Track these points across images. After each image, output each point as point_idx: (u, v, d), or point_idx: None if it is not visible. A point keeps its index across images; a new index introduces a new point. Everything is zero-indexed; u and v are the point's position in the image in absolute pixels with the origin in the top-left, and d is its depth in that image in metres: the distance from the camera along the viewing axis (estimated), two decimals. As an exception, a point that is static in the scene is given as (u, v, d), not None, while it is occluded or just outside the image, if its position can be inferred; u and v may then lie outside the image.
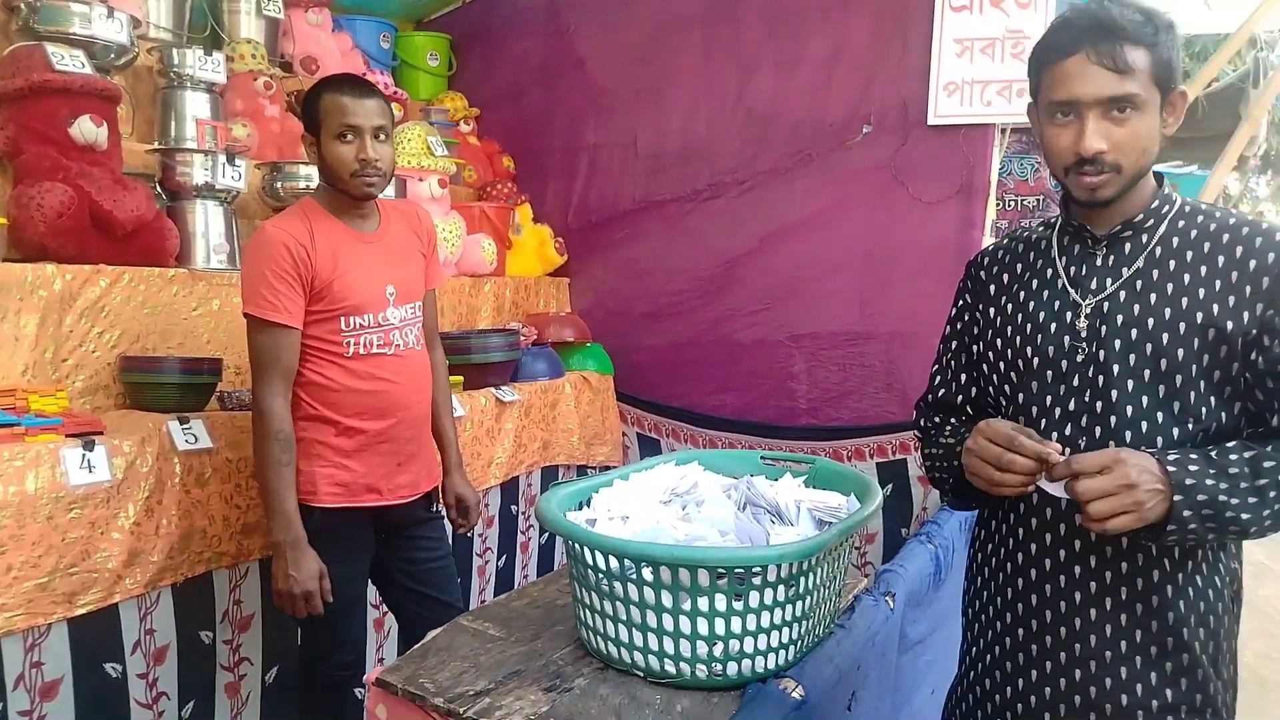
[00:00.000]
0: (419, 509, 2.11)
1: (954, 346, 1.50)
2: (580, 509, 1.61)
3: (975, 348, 1.45)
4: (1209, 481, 1.14)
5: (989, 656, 1.41)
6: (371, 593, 2.14)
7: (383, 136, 1.93)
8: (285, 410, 1.87)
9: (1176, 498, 1.13)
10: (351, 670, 2.01)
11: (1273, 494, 1.16)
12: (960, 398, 1.50)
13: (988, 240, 2.94)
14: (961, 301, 1.50)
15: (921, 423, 1.57)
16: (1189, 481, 1.13)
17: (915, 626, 2.08)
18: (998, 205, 4.51)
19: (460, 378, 2.68)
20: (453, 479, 2.20)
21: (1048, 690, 1.32)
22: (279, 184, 2.68)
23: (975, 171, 2.82)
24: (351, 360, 1.94)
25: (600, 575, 1.38)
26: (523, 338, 3.08)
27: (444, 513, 2.20)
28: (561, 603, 1.66)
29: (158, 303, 2.26)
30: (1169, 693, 1.25)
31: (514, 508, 2.92)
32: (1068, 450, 1.25)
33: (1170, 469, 1.13)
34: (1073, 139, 1.22)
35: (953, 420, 1.51)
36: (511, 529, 2.95)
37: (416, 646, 1.50)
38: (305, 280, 1.87)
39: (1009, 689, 1.37)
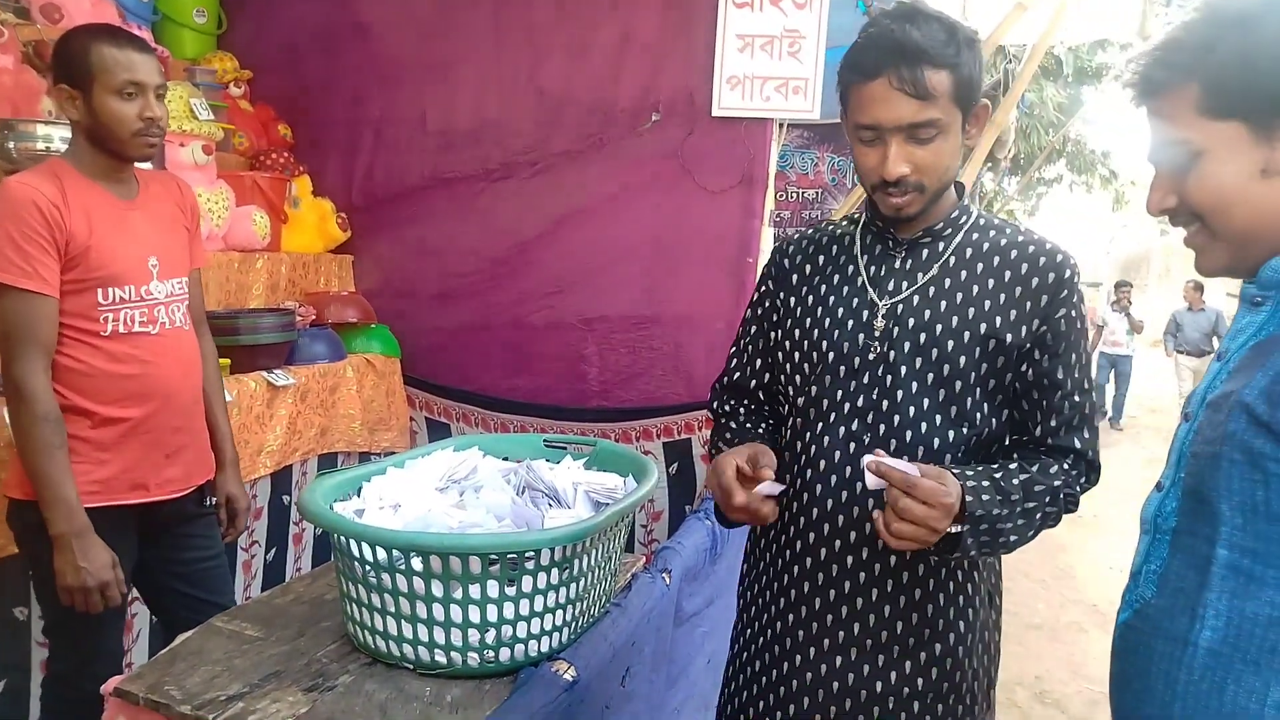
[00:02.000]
0: (189, 504, 1.97)
1: (752, 331, 1.51)
2: (350, 499, 1.55)
3: (773, 334, 1.47)
4: (995, 511, 1.19)
5: (761, 639, 1.44)
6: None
7: (162, 95, 1.82)
8: (49, 389, 1.69)
9: (965, 526, 1.17)
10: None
11: (1038, 516, 1.24)
12: (754, 382, 1.51)
13: (767, 230, 3.08)
14: (764, 287, 1.50)
15: (714, 405, 1.57)
16: (979, 512, 1.18)
17: (692, 600, 2.16)
18: (779, 197, 4.75)
19: (227, 360, 2.49)
20: (224, 476, 2.06)
21: (809, 675, 1.36)
22: (12, 144, 2.37)
23: (755, 163, 2.93)
24: (109, 340, 1.77)
25: (367, 567, 1.33)
26: (299, 318, 2.91)
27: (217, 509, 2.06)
28: (330, 597, 1.60)
29: None
30: (920, 681, 1.32)
31: (285, 498, 2.77)
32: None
33: (968, 498, 1.17)
34: (877, 161, 1.25)
35: (744, 406, 1.53)
36: (283, 520, 2.79)
37: (163, 651, 1.40)
38: (59, 245, 1.69)
39: (775, 671, 1.40)
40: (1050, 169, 15.24)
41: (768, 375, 1.50)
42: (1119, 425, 9.84)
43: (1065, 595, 4.76)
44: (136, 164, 1.89)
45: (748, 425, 1.49)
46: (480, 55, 3.22)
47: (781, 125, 3.05)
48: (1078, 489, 1.31)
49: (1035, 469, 1.27)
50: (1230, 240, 0.95)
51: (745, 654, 1.48)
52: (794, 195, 5.07)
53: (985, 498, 1.19)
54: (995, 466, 1.26)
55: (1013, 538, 1.23)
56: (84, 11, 2.91)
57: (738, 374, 1.54)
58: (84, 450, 1.77)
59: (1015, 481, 1.23)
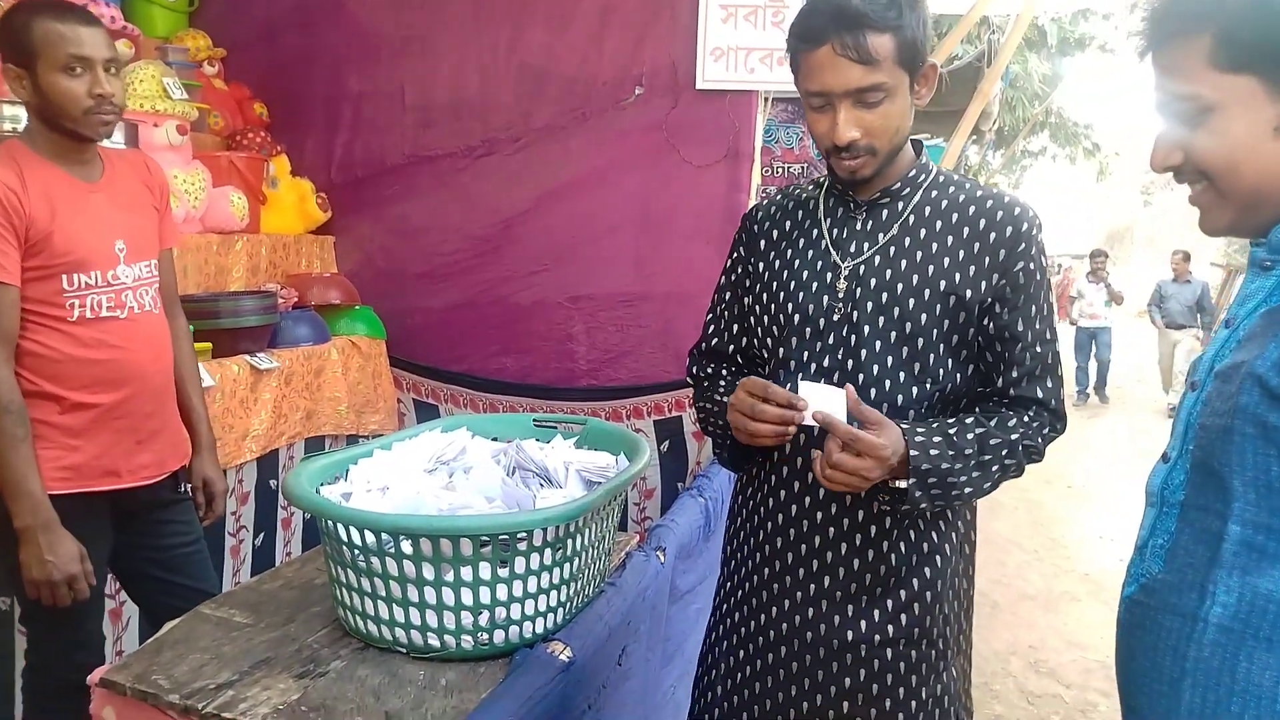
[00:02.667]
0: (164, 490, 1.93)
1: (727, 297, 1.55)
2: (337, 482, 1.52)
3: (746, 300, 1.50)
4: (944, 465, 1.23)
5: (739, 593, 1.48)
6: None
7: (114, 70, 1.74)
8: (12, 379, 1.65)
9: (911, 480, 1.21)
10: (89, 671, 1.81)
11: (994, 468, 1.28)
12: (731, 347, 1.55)
13: (753, 204, 3.04)
14: (736, 254, 1.53)
15: (694, 370, 1.60)
16: (925, 466, 1.22)
17: (686, 577, 2.14)
18: (765, 171, 4.71)
19: (209, 344, 2.45)
20: (201, 460, 2.02)
21: (784, 625, 1.41)
22: (-22, 125, 2.32)
23: (740, 137, 2.89)
24: (76, 325, 1.73)
25: (356, 551, 1.30)
26: (281, 300, 2.86)
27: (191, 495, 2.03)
28: (320, 582, 1.57)
29: None
30: (890, 628, 1.36)
31: (272, 482, 2.72)
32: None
33: (913, 452, 1.21)
34: (828, 126, 1.27)
35: (725, 371, 1.56)
36: (271, 505, 2.75)
37: (150, 640, 1.37)
38: (19, 231, 1.64)
39: (752, 623, 1.45)
40: (1034, 141, 15.24)
41: (744, 339, 1.53)
42: (1105, 396, 9.82)
43: (1058, 565, 4.78)
44: (101, 143, 1.83)
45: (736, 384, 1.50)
46: (459, 28, 3.16)
47: (766, 99, 3.01)
48: (1040, 440, 1.33)
49: (993, 422, 1.30)
50: (1239, 200, 0.92)
51: (725, 606, 1.53)
52: (780, 170, 5.03)
53: (934, 453, 1.23)
54: (951, 421, 1.30)
55: (967, 490, 1.26)
56: (50, -12, 2.82)
57: (715, 340, 1.57)
58: (53, 436, 1.73)
59: (970, 435, 1.27)
